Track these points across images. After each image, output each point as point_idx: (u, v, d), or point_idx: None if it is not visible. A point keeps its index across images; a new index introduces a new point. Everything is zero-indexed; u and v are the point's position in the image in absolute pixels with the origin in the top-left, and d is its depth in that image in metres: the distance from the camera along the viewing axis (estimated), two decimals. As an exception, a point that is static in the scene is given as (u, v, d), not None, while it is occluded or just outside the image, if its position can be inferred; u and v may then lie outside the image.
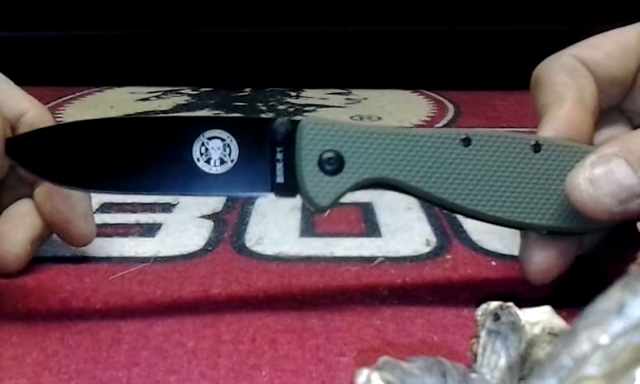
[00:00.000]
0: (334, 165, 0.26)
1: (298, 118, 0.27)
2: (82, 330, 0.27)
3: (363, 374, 0.18)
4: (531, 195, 0.27)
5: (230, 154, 0.26)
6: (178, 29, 0.85)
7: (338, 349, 0.26)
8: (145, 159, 0.26)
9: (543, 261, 0.28)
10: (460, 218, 0.39)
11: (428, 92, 0.78)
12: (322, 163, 0.26)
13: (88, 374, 0.24)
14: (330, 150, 0.26)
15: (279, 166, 0.26)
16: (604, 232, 0.29)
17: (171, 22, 0.85)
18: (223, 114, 0.24)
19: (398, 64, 0.83)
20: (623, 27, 0.30)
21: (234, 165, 0.26)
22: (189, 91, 0.82)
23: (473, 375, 0.19)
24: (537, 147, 0.27)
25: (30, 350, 0.25)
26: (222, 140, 0.26)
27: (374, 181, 0.27)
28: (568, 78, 0.29)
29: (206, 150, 0.26)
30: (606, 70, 0.29)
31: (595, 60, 0.29)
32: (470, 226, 0.37)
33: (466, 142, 0.27)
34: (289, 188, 0.27)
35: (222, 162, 0.26)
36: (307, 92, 0.79)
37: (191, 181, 0.26)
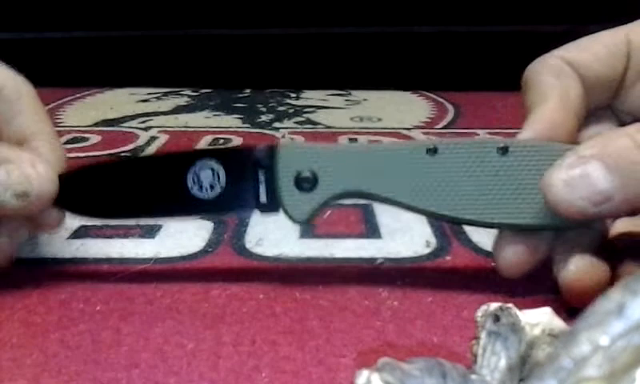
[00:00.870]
0: (309, 183, 0.29)
1: (276, 144, 0.30)
2: (82, 331, 0.27)
3: (363, 376, 0.18)
4: (499, 196, 0.28)
5: (219, 181, 0.30)
6: (178, 30, 0.85)
7: (338, 350, 0.26)
8: (147, 191, 0.31)
9: (512, 256, 0.28)
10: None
11: (428, 93, 0.78)
12: (298, 182, 0.29)
13: (88, 376, 0.24)
14: (305, 170, 0.29)
15: (262, 188, 0.30)
16: (574, 230, 0.29)
17: (171, 24, 0.85)
18: (212, 148, 0.30)
19: (398, 65, 0.83)
20: (613, 28, 0.30)
21: (223, 189, 0.30)
22: (189, 92, 0.82)
23: (473, 376, 0.19)
24: (504, 150, 0.28)
25: (30, 351, 0.25)
26: (212, 169, 0.30)
27: (347, 194, 0.29)
28: (553, 79, 0.29)
29: (198, 178, 0.30)
30: (593, 70, 0.29)
31: (582, 61, 0.30)
32: (470, 227, 0.37)
33: (432, 151, 0.28)
34: (271, 206, 0.30)
35: (212, 187, 0.30)
36: (307, 93, 0.79)
37: (186, 206, 0.30)
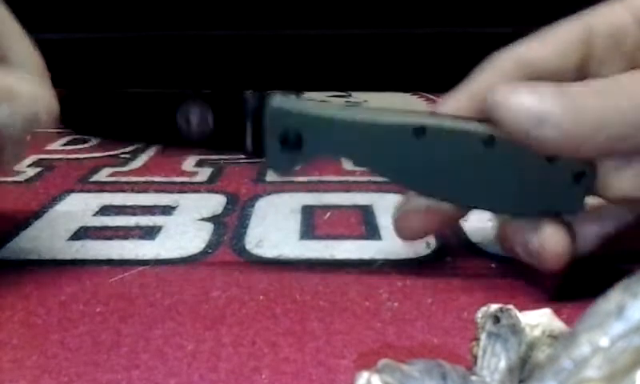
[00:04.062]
0: (294, 142, 0.29)
1: (268, 92, 0.30)
2: (82, 333, 0.27)
3: (363, 377, 0.18)
4: (484, 183, 0.29)
5: (207, 122, 0.31)
6: (178, 31, 0.85)
7: (338, 351, 0.25)
8: (138, 121, 0.32)
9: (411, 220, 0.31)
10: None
11: (428, 94, 0.78)
12: (283, 140, 0.29)
13: (88, 377, 0.24)
14: (291, 129, 0.29)
15: (248, 135, 0.30)
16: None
17: (171, 25, 0.85)
18: (202, 92, 0.30)
19: (398, 66, 0.83)
20: (575, 17, 0.30)
21: (211, 130, 0.31)
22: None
23: (473, 378, 0.19)
24: (490, 140, 0.29)
25: (30, 353, 0.25)
26: (200, 110, 0.31)
27: (331, 159, 0.31)
28: (479, 71, 0.31)
29: (187, 117, 0.31)
30: (547, 61, 0.30)
31: (534, 53, 0.30)
32: (471, 228, 0.37)
33: (420, 133, 0.28)
34: (256, 153, 0.30)
35: (200, 127, 0.31)
36: (308, 94, 0.79)
37: (175, 140, 0.31)
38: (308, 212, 0.41)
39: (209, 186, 0.47)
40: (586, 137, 0.26)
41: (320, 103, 0.31)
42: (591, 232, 0.30)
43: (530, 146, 0.27)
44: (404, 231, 0.32)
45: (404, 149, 0.29)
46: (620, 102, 0.26)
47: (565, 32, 0.30)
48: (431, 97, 0.77)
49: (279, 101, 0.30)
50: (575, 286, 0.30)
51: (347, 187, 0.46)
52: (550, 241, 0.28)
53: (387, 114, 0.29)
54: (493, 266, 0.33)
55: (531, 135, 0.26)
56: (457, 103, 0.30)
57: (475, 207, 0.30)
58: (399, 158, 0.29)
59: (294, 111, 0.30)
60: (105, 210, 0.41)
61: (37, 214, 0.40)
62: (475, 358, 0.20)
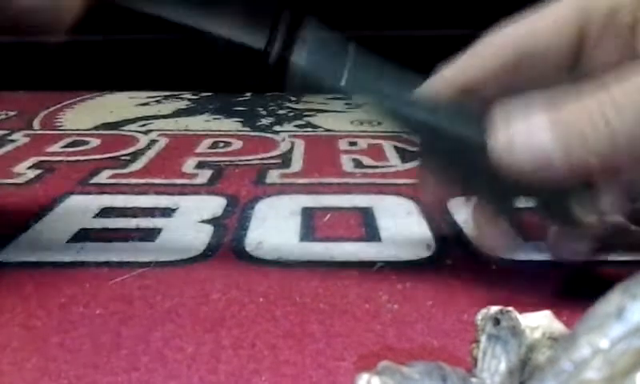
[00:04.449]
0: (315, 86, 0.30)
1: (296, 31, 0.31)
2: (82, 335, 0.27)
3: (363, 379, 0.18)
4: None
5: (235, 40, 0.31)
6: (178, 33, 0.85)
7: (338, 353, 0.25)
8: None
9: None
10: (460, 221, 0.39)
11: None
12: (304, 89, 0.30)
13: (88, 379, 0.24)
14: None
15: (270, 74, 0.30)
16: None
17: (171, 27, 0.85)
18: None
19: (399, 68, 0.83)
20: None
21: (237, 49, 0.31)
22: (189, 96, 0.82)
23: (473, 380, 0.19)
24: None
25: (30, 355, 0.25)
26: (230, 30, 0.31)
27: None
28: (472, 49, 0.31)
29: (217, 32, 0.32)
30: (537, 39, 0.29)
31: (524, 30, 0.30)
32: (471, 229, 0.37)
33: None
34: (277, 88, 0.32)
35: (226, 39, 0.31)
36: (307, 96, 0.79)
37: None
38: (308, 214, 0.41)
39: (209, 188, 0.47)
40: (589, 168, 0.25)
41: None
42: (570, 250, 0.30)
43: (538, 183, 0.26)
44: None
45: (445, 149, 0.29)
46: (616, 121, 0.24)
47: (559, 9, 0.29)
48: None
49: (302, 66, 0.31)
50: (576, 287, 0.30)
51: (347, 189, 0.46)
52: (486, 238, 0.30)
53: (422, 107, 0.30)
54: (493, 268, 0.33)
55: (535, 178, 0.25)
56: (448, 79, 0.31)
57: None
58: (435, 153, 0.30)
59: (314, 80, 0.31)
60: (105, 212, 0.41)
61: (37, 216, 0.40)
62: (475, 360, 0.20)
